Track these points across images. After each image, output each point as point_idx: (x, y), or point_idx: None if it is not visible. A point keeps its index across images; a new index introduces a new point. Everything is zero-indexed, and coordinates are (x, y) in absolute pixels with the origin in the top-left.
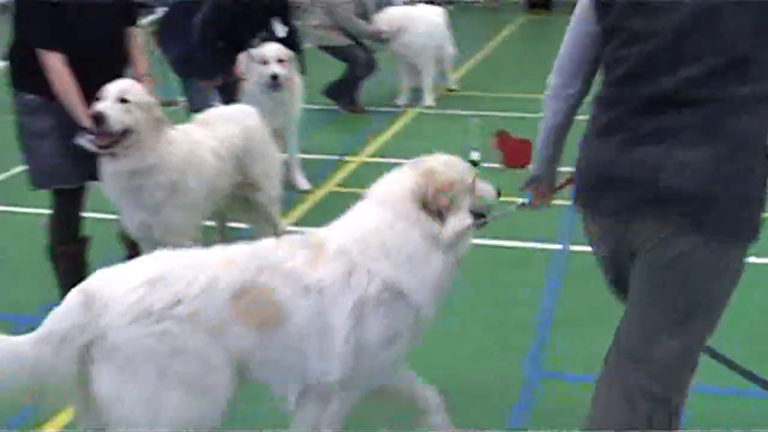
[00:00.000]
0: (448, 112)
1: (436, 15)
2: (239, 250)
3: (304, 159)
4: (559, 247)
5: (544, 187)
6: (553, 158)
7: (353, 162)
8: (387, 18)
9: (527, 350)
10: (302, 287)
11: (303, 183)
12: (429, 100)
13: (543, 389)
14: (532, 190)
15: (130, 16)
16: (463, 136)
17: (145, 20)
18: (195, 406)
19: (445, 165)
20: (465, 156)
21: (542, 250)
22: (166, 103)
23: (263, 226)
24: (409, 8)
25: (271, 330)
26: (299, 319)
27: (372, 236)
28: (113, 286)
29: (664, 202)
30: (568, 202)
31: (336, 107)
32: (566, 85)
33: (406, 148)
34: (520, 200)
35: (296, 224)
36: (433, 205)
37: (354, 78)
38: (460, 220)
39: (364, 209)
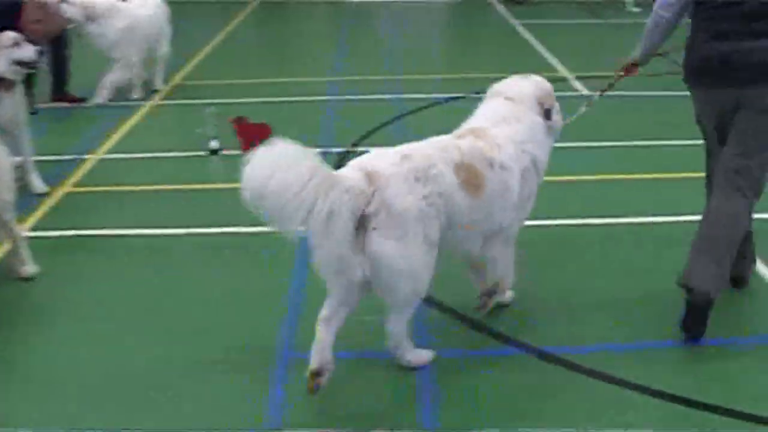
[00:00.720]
0: (185, 102)
1: (148, 9)
2: (443, 141)
3: (38, 161)
4: None
5: (636, 69)
6: (653, 52)
7: (90, 160)
8: (82, 2)
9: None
10: (491, 164)
11: (39, 186)
12: (104, 96)
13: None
14: (626, 71)
15: None
16: (200, 125)
17: None
18: (431, 257)
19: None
20: (205, 145)
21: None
22: None
23: None
24: None
25: (479, 195)
26: (492, 185)
27: (520, 125)
28: (381, 165)
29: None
30: None
31: (65, 105)
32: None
33: (143, 142)
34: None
35: (35, 229)
36: (546, 104)
37: (60, 68)
38: (560, 117)
39: (504, 105)
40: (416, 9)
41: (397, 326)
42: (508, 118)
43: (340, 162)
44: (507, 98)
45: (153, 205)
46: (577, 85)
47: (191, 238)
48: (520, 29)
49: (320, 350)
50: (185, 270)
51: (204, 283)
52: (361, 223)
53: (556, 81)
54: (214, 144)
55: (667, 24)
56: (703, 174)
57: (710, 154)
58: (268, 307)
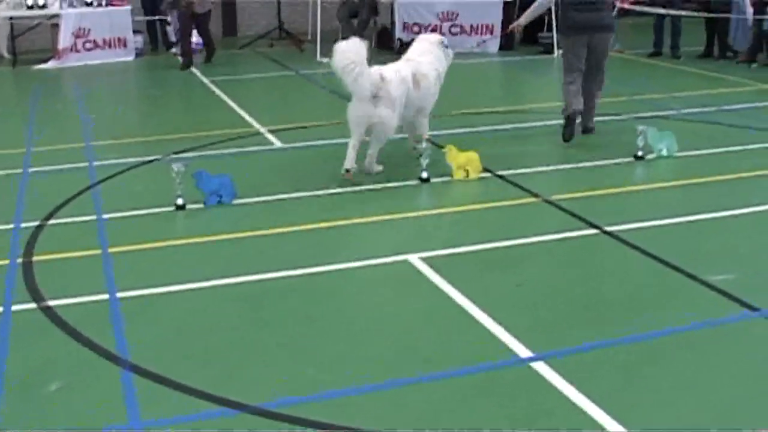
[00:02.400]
0: None
1: None
2: (405, 63)
3: None
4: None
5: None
6: (531, 20)
7: None
8: None
9: None
10: (423, 74)
11: None
12: None
13: None
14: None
15: None
16: None
17: None
18: (399, 119)
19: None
20: None
21: None
22: None
23: None
24: None
25: (418, 89)
26: (423, 85)
27: (432, 55)
28: (387, 72)
29: (602, 27)
30: None
31: None
32: None
33: None
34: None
35: None
36: (444, 42)
37: None
38: (450, 50)
39: (423, 45)
40: (103, 71)
41: (375, 151)
42: (425, 52)
43: (33, 237)
44: (425, 41)
45: None
46: (271, 138)
47: None
48: (212, 86)
49: (350, 159)
50: None
51: None
52: (375, 97)
53: (251, 136)
54: None
55: (548, 5)
56: None
57: (573, 68)
58: None
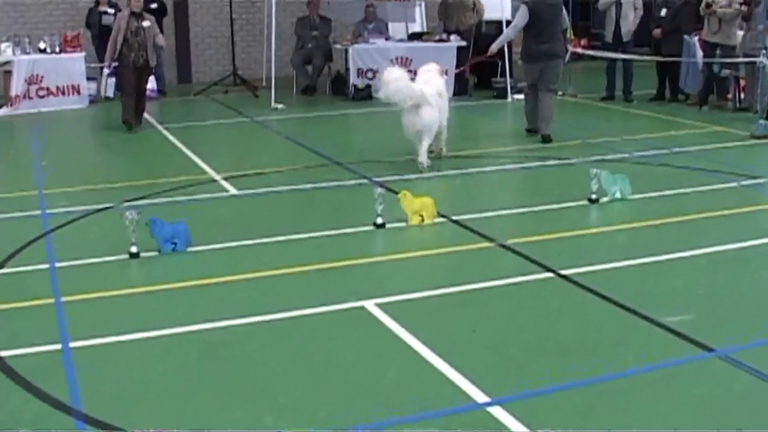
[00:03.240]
0: None
1: None
2: (432, 82)
3: None
4: None
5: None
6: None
7: None
8: None
9: None
10: (440, 92)
11: None
12: None
13: None
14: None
15: None
16: None
17: None
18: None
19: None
20: None
21: None
22: None
23: None
24: None
25: (442, 102)
26: (442, 99)
27: (441, 80)
28: (425, 88)
29: (551, 56)
30: None
31: None
32: (516, 28)
33: None
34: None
35: None
36: (442, 72)
37: None
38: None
39: (430, 73)
40: (56, 118)
41: (425, 146)
42: (434, 77)
43: None
44: (428, 71)
45: None
46: (226, 184)
47: None
48: (166, 132)
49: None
50: None
51: None
52: (418, 106)
53: (206, 183)
54: None
55: (516, 35)
56: None
57: (532, 88)
58: None
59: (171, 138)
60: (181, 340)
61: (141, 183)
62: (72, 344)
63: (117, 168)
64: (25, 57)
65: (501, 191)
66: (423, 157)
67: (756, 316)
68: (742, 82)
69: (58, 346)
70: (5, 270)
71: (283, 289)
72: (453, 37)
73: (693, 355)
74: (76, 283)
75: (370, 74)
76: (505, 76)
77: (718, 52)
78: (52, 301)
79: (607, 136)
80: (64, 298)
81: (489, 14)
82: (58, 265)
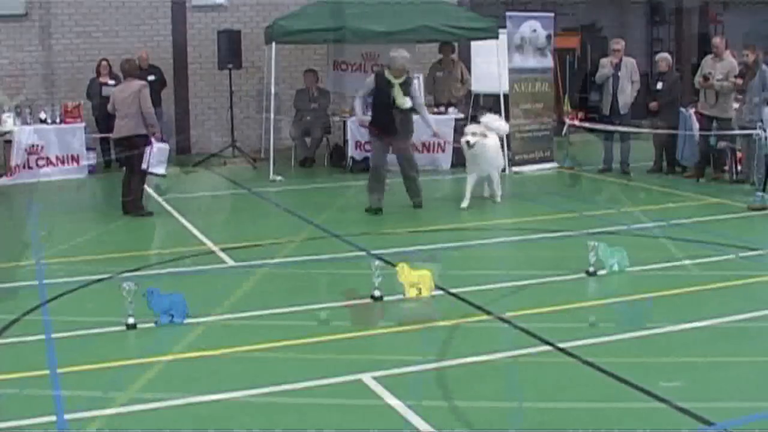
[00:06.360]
0: None
1: None
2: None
3: None
4: None
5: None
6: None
7: None
8: None
9: None
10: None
11: None
12: None
13: None
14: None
15: None
16: None
17: None
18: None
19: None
20: None
21: None
22: None
23: None
24: None
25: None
26: (497, 148)
27: (495, 136)
28: (488, 137)
29: (406, 132)
30: None
31: None
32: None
33: None
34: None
35: None
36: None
37: None
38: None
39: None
40: (56, 188)
41: (496, 179)
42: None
43: None
44: (484, 126)
45: None
46: (224, 256)
47: None
48: (164, 203)
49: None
50: None
51: None
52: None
53: (203, 254)
54: None
55: (363, 106)
56: None
57: (379, 161)
58: None
59: (169, 209)
60: (177, 413)
61: (139, 254)
62: (67, 416)
63: (115, 238)
64: (25, 127)
65: (499, 263)
66: (497, 192)
67: (755, 389)
68: (739, 154)
69: (53, 418)
70: (1, 340)
71: (279, 362)
72: (451, 109)
73: (691, 429)
74: (73, 354)
75: (368, 146)
76: (503, 149)
77: (714, 124)
78: (47, 372)
79: (604, 209)
80: (59, 370)
81: (485, 87)
82: (54, 336)
